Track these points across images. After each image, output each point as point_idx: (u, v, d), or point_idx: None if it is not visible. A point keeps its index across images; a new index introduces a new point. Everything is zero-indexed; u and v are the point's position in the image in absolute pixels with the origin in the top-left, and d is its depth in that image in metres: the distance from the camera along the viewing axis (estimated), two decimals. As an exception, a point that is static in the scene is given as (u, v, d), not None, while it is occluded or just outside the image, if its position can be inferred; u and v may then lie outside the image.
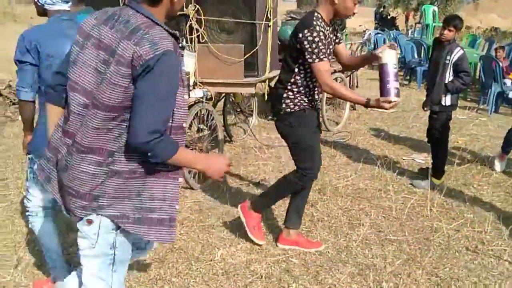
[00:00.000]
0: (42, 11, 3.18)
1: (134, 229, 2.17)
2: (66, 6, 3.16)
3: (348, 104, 8.01)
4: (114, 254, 2.27)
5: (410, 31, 18.36)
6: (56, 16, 3.12)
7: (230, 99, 6.85)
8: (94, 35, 2.13)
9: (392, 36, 14.69)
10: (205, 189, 5.37)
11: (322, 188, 5.29)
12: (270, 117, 8.19)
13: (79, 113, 2.14)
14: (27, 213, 3.38)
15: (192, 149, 5.53)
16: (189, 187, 5.33)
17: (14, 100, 8.35)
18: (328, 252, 4.09)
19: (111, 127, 2.09)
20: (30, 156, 3.23)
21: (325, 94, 7.31)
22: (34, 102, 3.11)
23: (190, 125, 5.34)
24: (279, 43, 6.82)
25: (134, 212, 2.16)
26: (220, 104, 6.95)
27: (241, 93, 6.55)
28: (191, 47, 5.56)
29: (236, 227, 4.48)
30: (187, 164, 2.25)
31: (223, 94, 6.47)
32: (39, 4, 3.14)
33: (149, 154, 2.05)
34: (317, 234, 4.36)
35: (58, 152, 2.23)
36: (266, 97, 6.36)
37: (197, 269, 3.85)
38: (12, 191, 5.32)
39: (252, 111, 7.53)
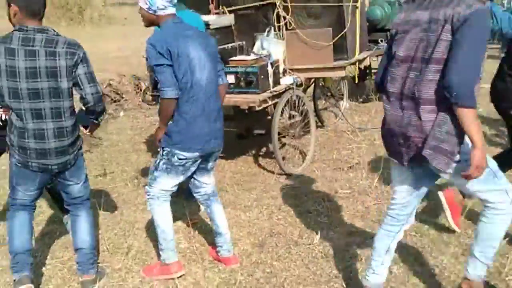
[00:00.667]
0: (154, 20, 3.33)
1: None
2: (174, 10, 3.32)
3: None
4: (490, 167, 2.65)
5: (506, 1, 17.29)
6: (169, 20, 3.29)
7: (320, 84, 6.83)
8: (411, 19, 2.65)
9: (487, 7, 13.93)
10: (300, 174, 5.41)
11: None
12: (361, 100, 8.09)
13: (409, 77, 2.63)
14: (147, 197, 3.56)
15: (284, 136, 5.59)
16: (284, 173, 5.40)
17: (115, 98, 8.82)
18: (429, 233, 4.01)
19: (437, 78, 2.52)
20: (167, 149, 3.38)
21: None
22: (177, 99, 3.26)
23: (282, 112, 5.39)
24: (368, 23, 6.72)
25: (432, 140, 2.56)
26: (310, 89, 6.96)
27: (331, 77, 6.51)
28: (279, 35, 5.61)
29: (333, 211, 4.50)
30: (472, 126, 2.44)
31: (313, 79, 6.46)
32: (150, 11, 3.29)
33: (457, 93, 2.38)
34: (416, 216, 4.27)
35: (396, 119, 2.72)
36: (356, 79, 6.29)
37: (296, 252, 3.91)
38: (118, 183, 5.64)
39: (342, 94, 7.47)
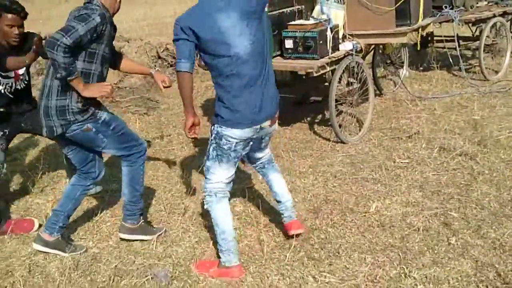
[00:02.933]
0: None
1: None
2: None
3: (509, 50, 7.38)
4: None
5: None
6: None
7: (380, 51, 6.66)
8: None
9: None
10: (356, 142, 5.34)
11: (482, 140, 5.00)
12: (421, 68, 7.86)
13: None
14: (204, 193, 3.34)
15: (341, 103, 5.51)
16: (340, 140, 5.33)
17: (171, 62, 8.88)
18: (491, 206, 3.89)
19: None
20: (215, 131, 3.17)
21: (483, 40, 6.82)
22: (191, 73, 3.11)
23: (340, 79, 5.29)
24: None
25: None
26: (369, 56, 6.79)
27: (392, 44, 6.32)
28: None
29: (391, 180, 4.42)
30: None
31: (373, 46, 6.30)
32: None
33: None
34: (477, 188, 4.15)
35: None
36: (418, 46, 6.08)
37: (352, 220, 3.89)
38: (175, 146, 5.74)
39: (402, 62, 7.25)
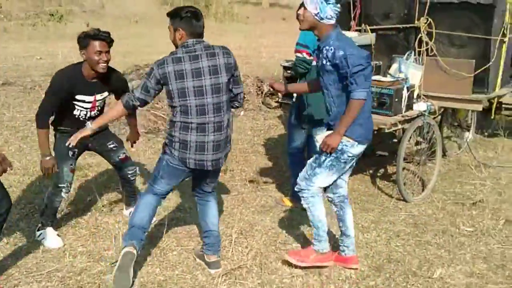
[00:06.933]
0: (316, 26, 3.61)
1: None
2: (334, 22, 3.60)
3: None
4: None
5: None
6: (336, 31, 3.62)
7: (451, 114, 6.66)
8: None
9: None
10: (419, 202, 5.34)
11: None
12: (487, 134, 7.79)
13: None
14: (305, 194, 3.80)
15: (408, 162, 5.54)
16: (403, 198, 5.34)
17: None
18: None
19: None
20: (341, 147, 3.62)
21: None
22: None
23: (410, 138, 5.33)
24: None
25: None
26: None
27: (465, 109, 6.33)
28: (419, 60, 5.56)
29: (455, 248, 4.40)
30: None
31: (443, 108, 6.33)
32: (316, 17, 3.55)
33: None
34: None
35: None
36: (492, 115, 6.09)
37: (414, 284, 3.88)
38: (238, 182, 5.84)
39: (469, 125, 7.23)
